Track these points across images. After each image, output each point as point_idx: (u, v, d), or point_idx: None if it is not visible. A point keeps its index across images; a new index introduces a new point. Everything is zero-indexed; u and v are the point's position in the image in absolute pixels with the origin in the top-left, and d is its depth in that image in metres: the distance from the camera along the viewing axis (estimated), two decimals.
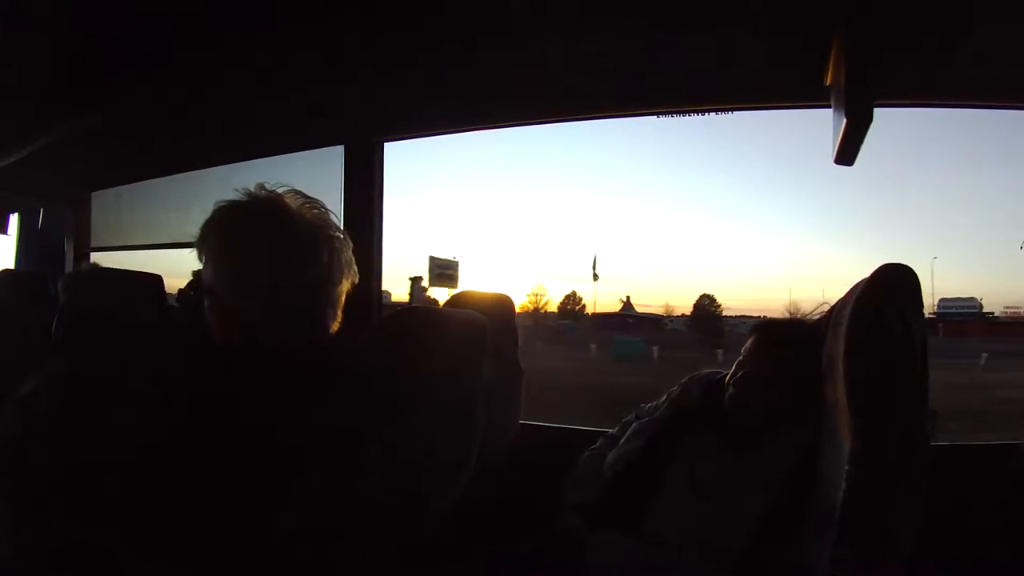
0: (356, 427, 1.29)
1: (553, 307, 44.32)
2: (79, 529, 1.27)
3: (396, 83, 2.56)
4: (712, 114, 2.53)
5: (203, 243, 1.44)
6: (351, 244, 1.51)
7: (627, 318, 42.48)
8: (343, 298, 1.50)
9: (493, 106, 2.79)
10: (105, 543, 1.26)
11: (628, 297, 45.00)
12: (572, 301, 44.45)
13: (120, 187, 4.32)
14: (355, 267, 1.52)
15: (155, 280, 2.82)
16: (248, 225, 1.42)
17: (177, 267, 3.42)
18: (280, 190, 1.45)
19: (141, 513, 1.25)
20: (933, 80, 2.28)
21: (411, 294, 30.88)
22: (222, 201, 1.44)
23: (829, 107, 1.94)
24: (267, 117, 3.00)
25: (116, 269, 3.13)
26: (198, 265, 1.67)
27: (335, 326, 1.49)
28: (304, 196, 1.48)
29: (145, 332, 1.77)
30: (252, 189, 1.45)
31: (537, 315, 42.34)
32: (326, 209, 1.50)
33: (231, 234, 1.42)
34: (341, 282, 1.48)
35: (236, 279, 1.41)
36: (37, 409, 1.37)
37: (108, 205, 4.45)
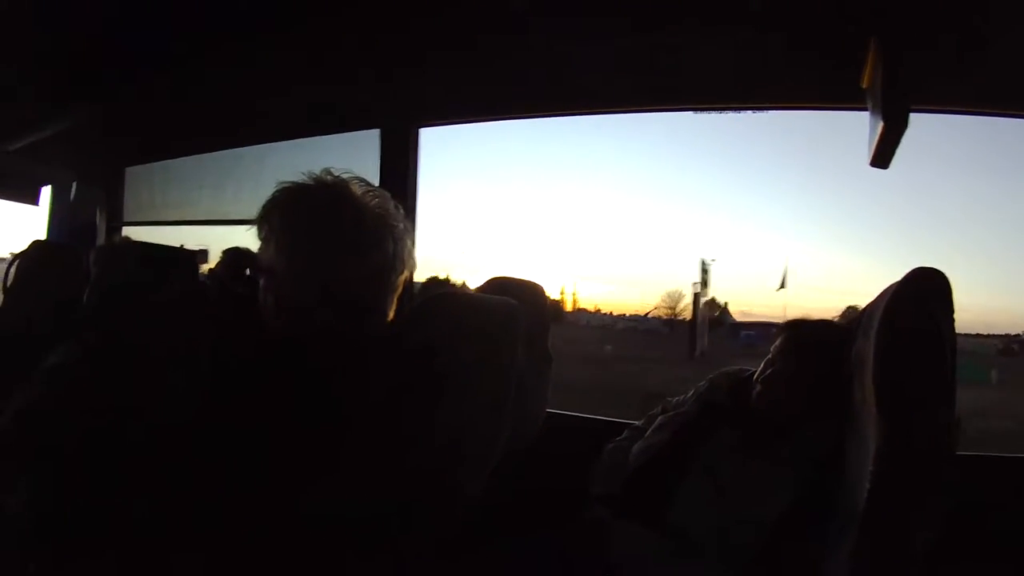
0: (392, 410, 1.31)
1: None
2: (103, 498, 1.29)
3: (433, 69, 2.57)
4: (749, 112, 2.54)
5: (264, 222, 1.44)
6: (413, 235, 1.52)
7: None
8: (401, 288, 1.51)
9: (529, 96, 2.79)
10: (129, 513, 1.28)
11: (727, 304, 38.76)
12: (714, 307, 40.27)
13: (153, 164, 4.36)
14: (415, 258, 1.53)
15: (189, 256, 2.85)
16: (314, 207, 1.43)
17: (209, 246, 3.45)
18: (345, 176, 1.47)
19: (169, 485, 1.28)
20: (972, 87, 2.26)
21: (694, 308, 28.38)
22: (285, 182, 1.45)
23: (859, 109, 1.94)
24: (303, 99, 3.02)
25: (149, 243, 3.16)
26: (227, 244, 1.69)
27: (391, 314, 1.50)
28: (368, 184, 1.49)
29: (178, 307, 1.79)
30: (318, 173, 1.46)
31: (674, 322, 37.36)
32: (389, 198, 1.50)
33: (296, 215, 1.43)
34: (402, 272, 1.49)
35: (298, 260, 1.41)
36: (65, 379, 1.39)
37: (141, 181, 4.49)
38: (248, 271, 1.55)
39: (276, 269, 1.43)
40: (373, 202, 1.46)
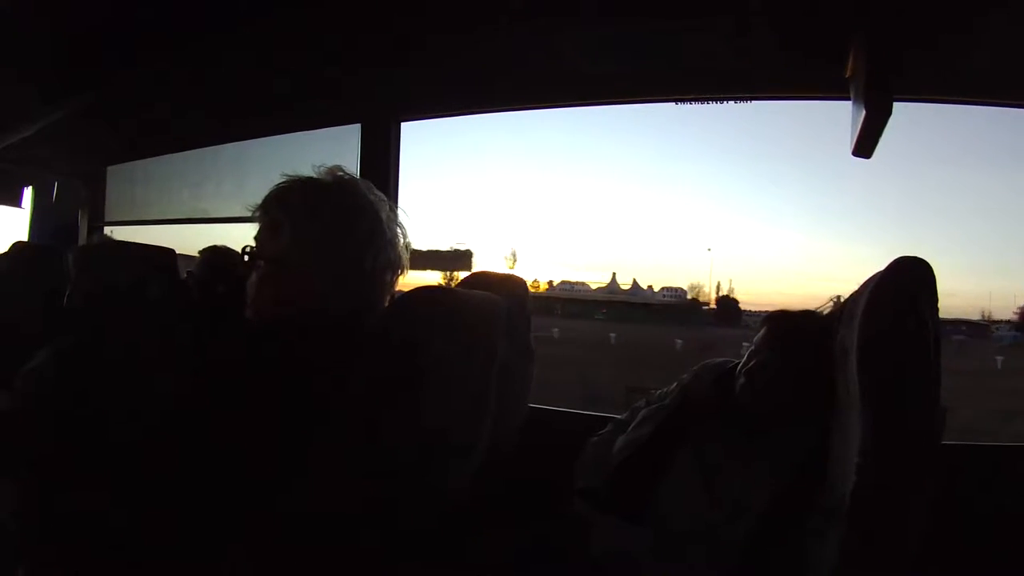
0: (376, 405, 1.30)
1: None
2: (85, 500, 1.28)
3: (414, 62, 2.57)
4: (731, 103, 2.53)
5: (277, 211, 1.46)
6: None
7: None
8: (394, 287, 1.55)
9: (511, 88, 2.79)
10: (112, 514, 1.27)
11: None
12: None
13: (135, 162, 4.33)
14: (407, 258, 1.57)
15: (168, 254, 2.83)
16: (339, 202, 1.46)
17: (187, 244, 3.43)
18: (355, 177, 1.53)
19: (151, 487, 1.26)
20: (952, 76, 2.27)
21: None
22: (293, 175, 1.49)
23: (848, 99, 1.94)
24: (284, 95, 3.01)
25: (129, 243, 3.13)
26: (208, 241, 1.69)
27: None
28: (372, 186, 1.53)
29: (158, 309, 1.78)
30: (328, 168, 1.51)
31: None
32: (389, 201, 1.54)
33: (322, 208, 1.45)
34: (400, 272, 1.54)
35: (320, 252, 1.43)
36: (45, 383, 1.38)
37: (123, 180, 4.45)
38: (241, 264, 1.53)
39: (288, 258, 1.44)
40: (381, 202, 1.51)
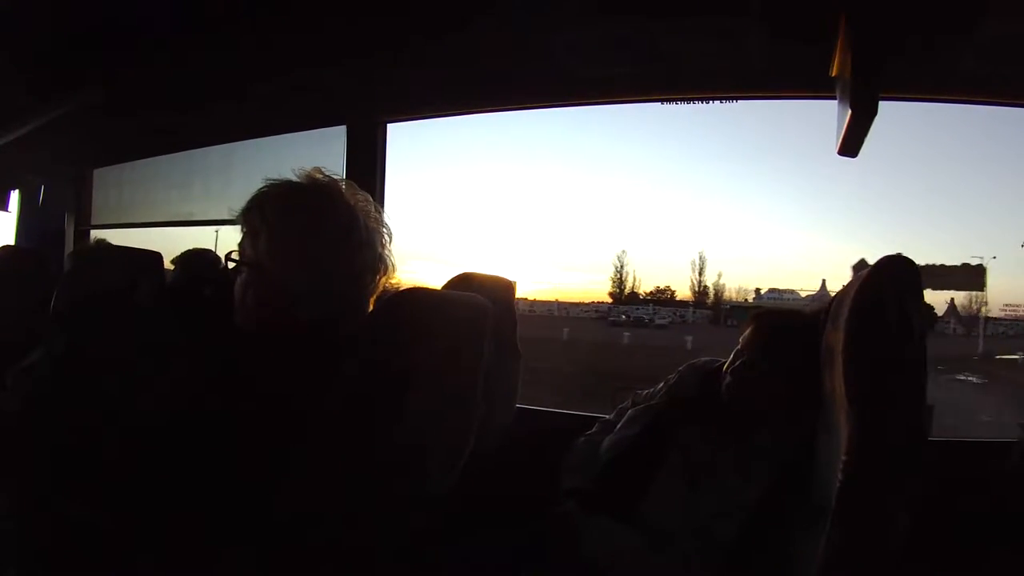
0: (359, 406, 1.30)
1: None
2: (77, 504, 1.28)
3: (400, 63, 2.56)
4: (717, 102, 2.53)
5: (255, 217, 1.45)
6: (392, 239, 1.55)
7: None
8: (380, 288, 1.53)
9: (498, 89, 2.79)
10: (103, 518, 1.27)
11: None
12: None
13: (122, 165, 4.31)
14: (394, 262, 1.55)
15: (155, 258, 2.82)
16: (310, 205, 1.45)
17: (175, 247, 3.42)
18: (334, 176, 1.51)
19: (140, 488, 1.26)
20: (939, 75, 2.27)
21: None
22: (273, 178, 1.48)
23: (834, 98, 1.94)
24: (269, 96, 2.99)
25: (117, 246, 3.12)
26: (194, 244, 1.69)
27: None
28: (355, 187, 1.52)
29: (147, 312, 1.77)
30: (308, 171, 1.49)
31: None
32: (374, 202, 1.53)
33: (293, 212, 1.44)
34: (384, 273, 1.52)
35: (293, 256, 1.42)
36: (36, 384, 1.38)
37: (109, 183, 4.43)
38: (223, 268, 1.53)
39: (265, 264, 1.43)
40: (363, 203, 1.49)
